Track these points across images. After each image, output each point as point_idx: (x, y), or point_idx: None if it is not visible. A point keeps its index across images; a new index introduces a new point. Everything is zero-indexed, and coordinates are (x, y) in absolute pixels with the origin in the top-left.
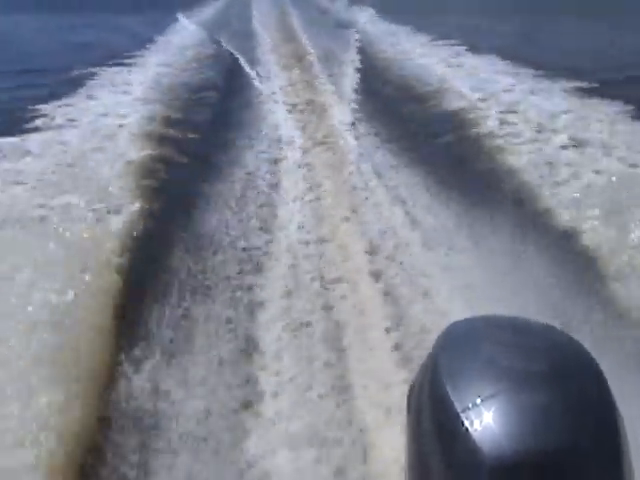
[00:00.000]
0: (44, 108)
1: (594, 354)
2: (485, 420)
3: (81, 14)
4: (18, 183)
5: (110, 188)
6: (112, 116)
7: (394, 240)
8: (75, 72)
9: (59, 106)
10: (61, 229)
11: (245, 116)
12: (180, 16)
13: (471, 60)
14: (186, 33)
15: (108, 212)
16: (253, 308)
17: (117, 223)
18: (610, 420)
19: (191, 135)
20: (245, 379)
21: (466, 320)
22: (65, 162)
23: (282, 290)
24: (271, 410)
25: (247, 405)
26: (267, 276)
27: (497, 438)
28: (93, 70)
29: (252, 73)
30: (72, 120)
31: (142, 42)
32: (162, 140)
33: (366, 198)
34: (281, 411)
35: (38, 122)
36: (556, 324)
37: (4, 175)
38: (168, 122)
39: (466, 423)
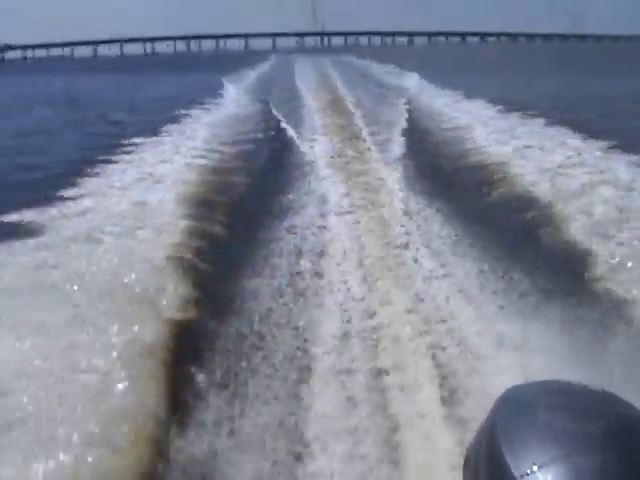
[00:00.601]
0: (167, 128)
1: None
2: None
3: (144, 74)
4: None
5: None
6: (199, 131)
7: None
8: (173, 113)
9: (174, 127)
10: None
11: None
12: (225, 80)
13: (465, 104)
14: (241, 89)
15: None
16: None
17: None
18: None
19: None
20: None
21: (522, 386)
22: (182, 147)
23: None
24: None
25: None
26: None
27: None
28: (182, 112)
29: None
30: (182, 132)
31: (210, 94)
32: (229, 143)
33: None
34: None
35: (166, 132)
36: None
37: (159, 154)
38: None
39: None
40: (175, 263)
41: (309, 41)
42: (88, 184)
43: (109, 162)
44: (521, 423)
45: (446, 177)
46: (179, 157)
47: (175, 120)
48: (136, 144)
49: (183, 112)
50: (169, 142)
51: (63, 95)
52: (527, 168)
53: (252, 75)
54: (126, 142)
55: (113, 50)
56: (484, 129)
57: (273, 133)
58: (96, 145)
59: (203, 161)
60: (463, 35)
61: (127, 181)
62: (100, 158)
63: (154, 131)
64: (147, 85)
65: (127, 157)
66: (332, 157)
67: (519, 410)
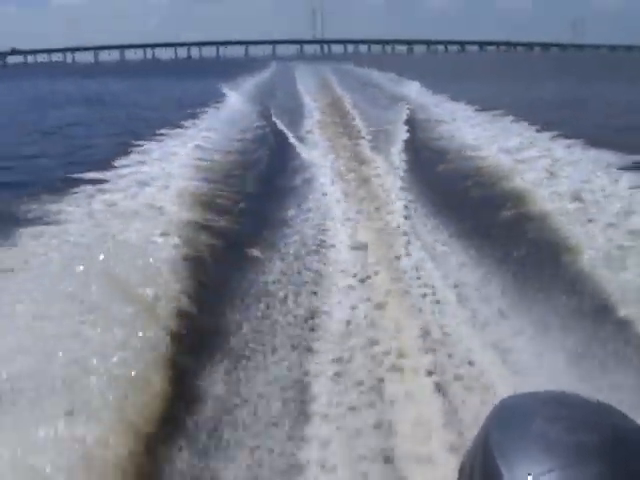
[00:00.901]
0: (188, 122)
1: None
2: None
3: (149, 79)
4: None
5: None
6: (215, 124)
7: None
8: (188, 111)
9: (192, 122)
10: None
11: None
12: (224, 87)
13: (450, 104)
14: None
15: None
16: None
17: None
18: None
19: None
20: None
21: (517, 396)
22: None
23: None
24: None
25: None
26: None
27: None
28: (197, 109)
29: None
30: (196, 125)
31: (216, 96)
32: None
33: None
34: None
35: (188, 125)
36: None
37: (184, 139)
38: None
39: None
40: (193, 199)
41: (309, 49)
42: (129, 158)
43: (141, 145)
44: (516, 434)
45: (428, 156)
46: (195, 142)
47: (189, 116)
48: (161, 134)
49: (196, 111)
50: (187, 132)
51: (81, 97)
52: (490, 149)
53: (253, 81)
54: (153, 132)
55: (113, 56)
56: (464, 124)
57: (280, 128)
58: (129, 133)
59: (216, 146)
60: (462, 44)
61: (158, 156)
62: (134, 142)
63: (173, 124)
64: (153, 90)
65: (155, 143)
66: (330, 141)
67: (514, 420)
